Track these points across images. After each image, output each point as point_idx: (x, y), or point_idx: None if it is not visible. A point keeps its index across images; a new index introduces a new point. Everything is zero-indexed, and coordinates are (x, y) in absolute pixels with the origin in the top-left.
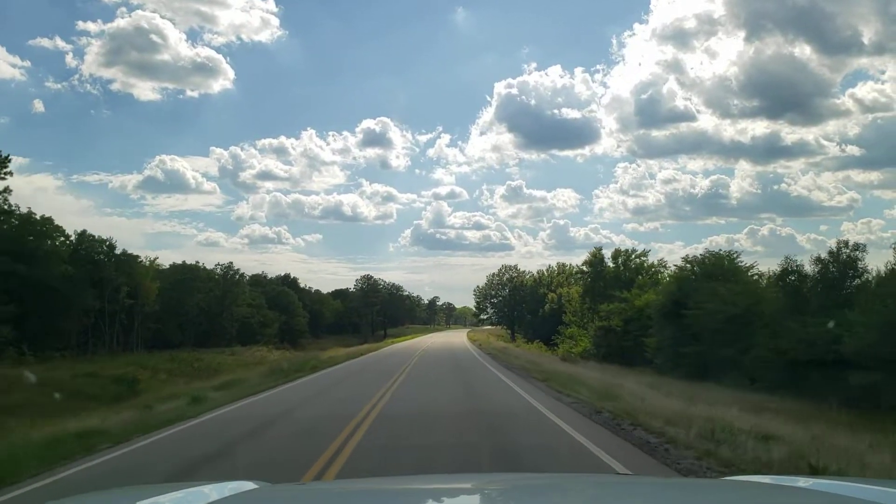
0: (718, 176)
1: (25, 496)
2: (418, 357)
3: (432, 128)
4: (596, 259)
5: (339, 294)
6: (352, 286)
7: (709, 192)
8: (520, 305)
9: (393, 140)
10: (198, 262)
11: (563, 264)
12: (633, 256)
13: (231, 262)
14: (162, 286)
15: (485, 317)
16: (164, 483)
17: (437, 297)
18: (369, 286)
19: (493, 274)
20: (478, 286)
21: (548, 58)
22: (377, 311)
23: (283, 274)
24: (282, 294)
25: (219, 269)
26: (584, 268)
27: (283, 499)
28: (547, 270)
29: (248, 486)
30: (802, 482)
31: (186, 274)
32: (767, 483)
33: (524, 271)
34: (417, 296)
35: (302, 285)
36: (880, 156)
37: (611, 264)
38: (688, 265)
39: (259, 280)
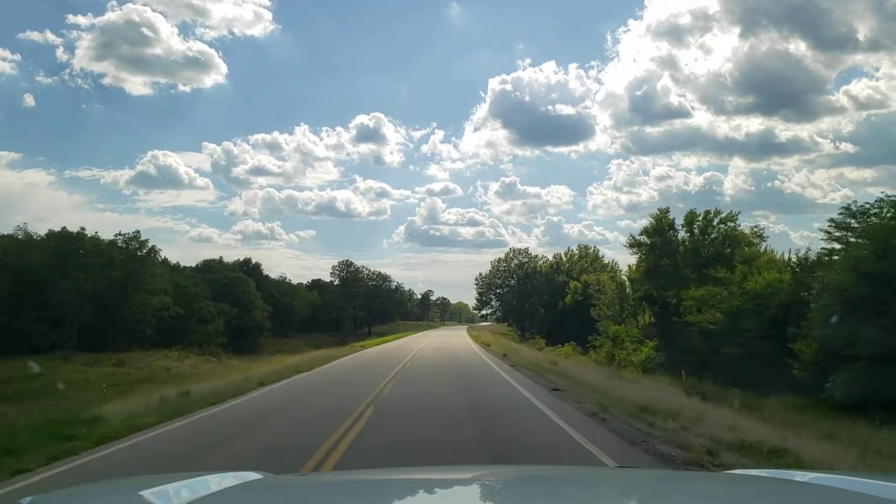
0: (712, 173)
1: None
2: (397, 376)
3: (426, 124)
4: (661, 226)
5: (318, 285)
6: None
7: (702, 188)
8: (531, 297)
9: (387, 136)
10: (83, 229)
11: (586, 247)
12: (717, 221)
13: (138, 232)
14: (25, 262)
15: (488, 311)
16: (172, 473)
17: (430, 291)
18: (349, 274)
19: (499, 259)
20: (480, 274)
21: (542, 54)
22: (360, 305)
23: (241, 259)
24: (235, 282)
25: (120, 241)
26: (645, 238)
27: (286, 488)
28: (566, 255)
29: (253, 475)
30: (800, 476)
31: (64, 245)
32: (765, 477)
33: (536, 256)
34: (410, 290)
35: (283, 276)
36: (874, 153)
37: (683, 234)
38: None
39: (210, 266)
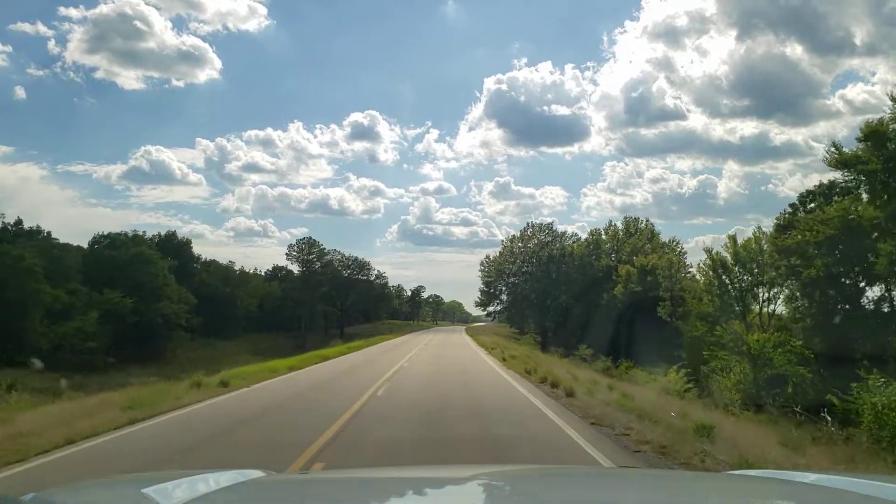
0: (706, 176)
1: None
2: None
3: (421, 122)
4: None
5: (279, 275)
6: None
7: (696, 191)
8: (557, 289)
9: (381, 134)
10: None
11: (635, 220)
12: None
13: None
14: None
15: (497, 308)
16: (173, 470)
17: (422, 287)
18: (315, 255)
19: (513, 238)
20: (487, 257)
21: (538, 53)
22: (327, 298)
23: (164, 233)
24: (135, 262)
25: None
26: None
27: (287, 487)
28: (608, 231)
29: (254, 474)
30: (801, 477)
31: None
32: (767, 477)
33: (564, 233)
34: (399, 285)
35: (232, 264)
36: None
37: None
38: None
39: (99, 240)
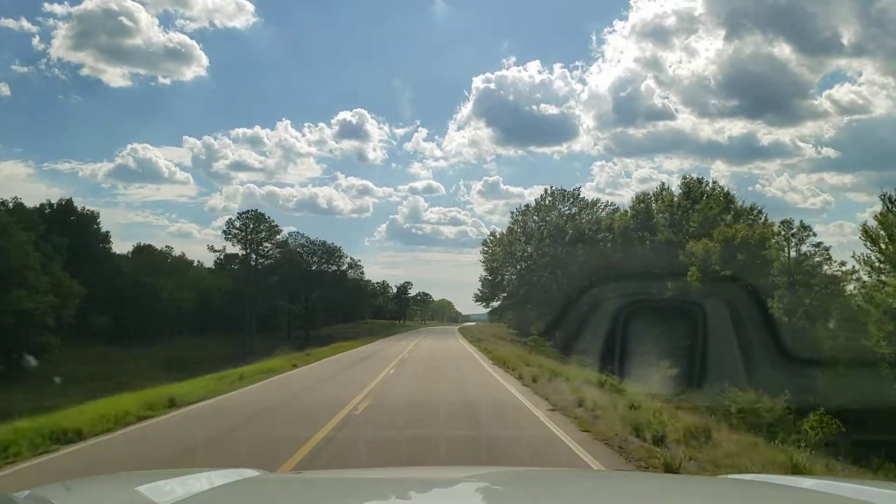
0: (695, 176)
1: None
2: None
3: (409, 121)
4: None
5: (229, 267)
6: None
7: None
8: (588, 276)
9: (370, 132)
10: None
11: (698, 181)
12: None
13: None
14: None
15: (505, 302)
16: (165, 469)
17: (408, 284)
18: (264, 234)
19: (526, 209)
20: (492, 236)
21: (527, 53)
22: (279, 289)
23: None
24: None
25: None
26: None
27: (281, 486)
28: (659, 197)
29: (249, 473)
30: (794, 482)
31: None
32: (764, 482)
33: (596, 201)
34: (384, 281)
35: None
36: (854, 159)
37: None
38: None
39: None
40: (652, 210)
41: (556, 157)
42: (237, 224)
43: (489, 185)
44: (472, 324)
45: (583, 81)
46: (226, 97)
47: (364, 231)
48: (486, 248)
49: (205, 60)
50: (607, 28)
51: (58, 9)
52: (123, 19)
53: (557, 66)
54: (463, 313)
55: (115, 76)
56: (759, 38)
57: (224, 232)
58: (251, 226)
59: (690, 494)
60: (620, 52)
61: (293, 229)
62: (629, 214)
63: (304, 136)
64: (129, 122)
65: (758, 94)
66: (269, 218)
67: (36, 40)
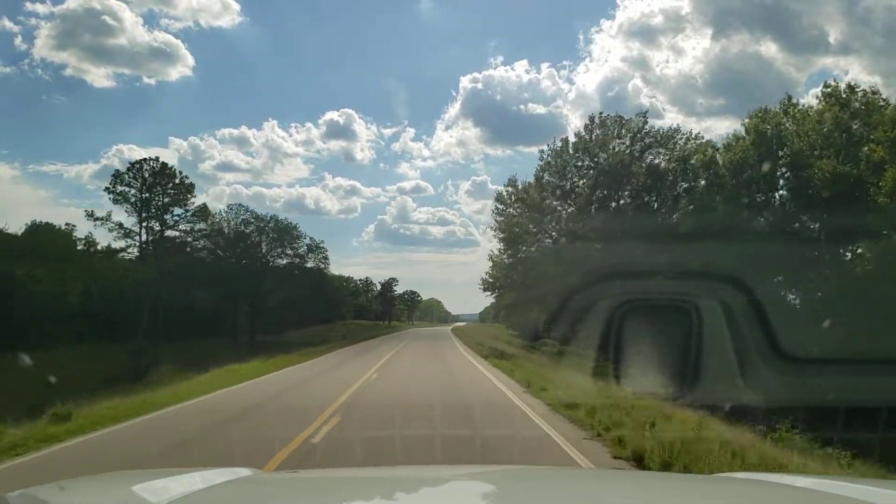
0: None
1: None
2: None
3: (397, 121)
4: None
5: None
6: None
7: None
8: (678, 243)
9: (357, 132)
10: None
11: (852, 88)
12: None
13: None
14: None
15: (506, 288)
16: (159, 469)
17: (394, 280)
18: (170, 198)
19: (563, 144)
20: (511, 183)
21: (514, 52)
22: (206, 279)
23: None
24: None
25: None
26: None
27: (275, 485)
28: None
29: (243, 472)
30: (800, 481)
31: None
32: (761, 480)
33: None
34: (367, 278)
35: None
36: None
37: None
38: None
39: None
40: (786, 133)
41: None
42: (127, 177)
43: (477, 185)
44: (463, 324)
45: (570, 81)
46: (212, 97)
47: (352, 232)
48: (496, 206)
49: (190, 60)
50: (594, 27)
51: (40, 8)
52: (107, 18)
53: (545, 66)
54: (453, 313)
55: (100, 76)
56: (746, 37)
57: (106, 189)
58: (149, 179)
59: (685, 493)
60: (608, 52)
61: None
62: (745, 146)
63: (290, 136)
64: (114, 122)
65: (745, 92)
66: (180, 173)
67: (18, 40)
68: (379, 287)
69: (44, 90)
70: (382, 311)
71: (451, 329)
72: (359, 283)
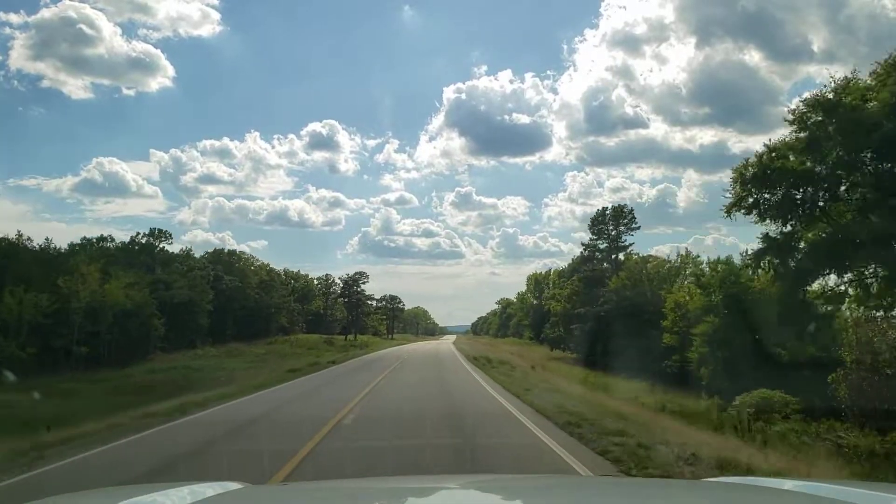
0: (666, 185)
1: None
2: None
3: (381, 132)
4: None
5: None
6: None
7: (656, 201)
8: None
9: (341, 143)
10: None
11: None
12: None
13: None
14: None
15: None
16: (148, 483)
17: (361, 275)
18: None
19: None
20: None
21: (498, 62)
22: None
23: None
24: None
25: None
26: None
27: (266, 499)
28: None
29: (233, 486)
30: (786, 485)
31: None
32: (748, 485)
33: None
34: (326, 275)
35: None
36: None
37: None
38: None
39: None
40: None
41: (528, 167)
42: None
43: (462, 196)
44: (453, 336)
45: (554, 91)
46: (193, 108)
47: (336, 243)
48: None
49: (170, 70)
50: (578, 37)
51: (14, 18)
52: (83, 27)
53: (529, 75)
54: (440, 325)
55: (77, 87)
56: (730, 46)
57: None
58: None
59: (676, 498)
60: (592, 61)
61: None
62: None
63: (273, 147)
64: (93, 134)
65: (729, 101)
66: None
67: None
68: (340, 286)
69: (20, 102)
70: (351, 319)
71: (454, 342)
72: (316, 282)
